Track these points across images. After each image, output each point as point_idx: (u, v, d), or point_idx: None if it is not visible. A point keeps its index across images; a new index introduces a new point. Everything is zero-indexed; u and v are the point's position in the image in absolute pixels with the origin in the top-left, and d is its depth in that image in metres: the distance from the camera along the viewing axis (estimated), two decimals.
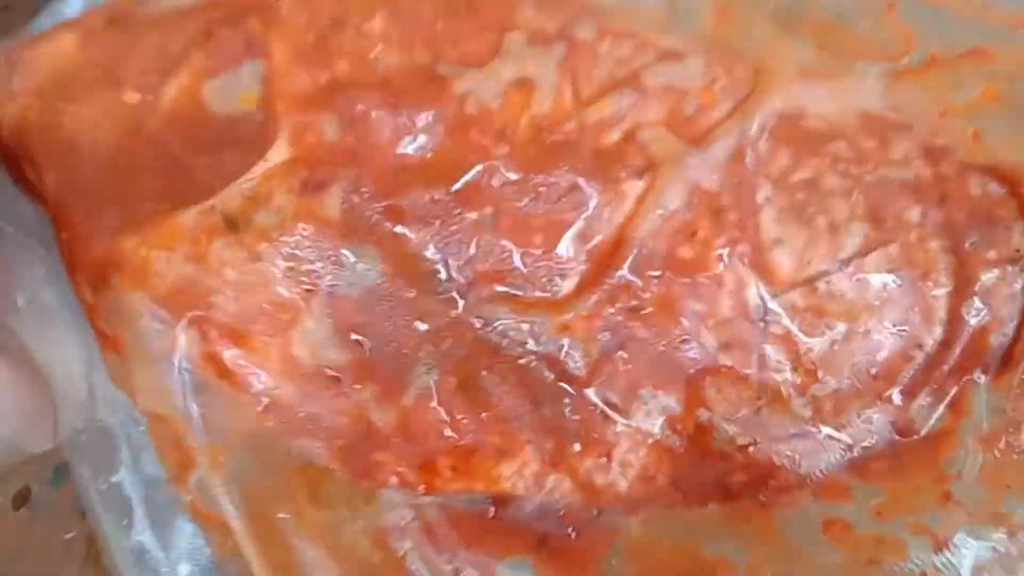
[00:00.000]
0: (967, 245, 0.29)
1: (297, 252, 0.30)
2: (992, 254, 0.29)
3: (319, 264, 0.30)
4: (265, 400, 0.30)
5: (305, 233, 0.30)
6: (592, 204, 0.30)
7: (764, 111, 0.30)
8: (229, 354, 0.30)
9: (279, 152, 0.30)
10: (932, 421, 0.29)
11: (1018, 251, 0.28)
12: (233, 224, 0.30)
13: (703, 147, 0.30)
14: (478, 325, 0.30)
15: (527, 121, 0.30)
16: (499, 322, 0.30)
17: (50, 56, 0.31)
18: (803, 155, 0.30)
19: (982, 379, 0.29)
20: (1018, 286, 0.29)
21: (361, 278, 0.30)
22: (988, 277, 0.29)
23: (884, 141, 0.30)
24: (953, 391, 0.29)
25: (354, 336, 0.30)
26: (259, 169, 0.30)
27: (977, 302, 0.29)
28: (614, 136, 0.30)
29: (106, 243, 0.30)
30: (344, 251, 0.30)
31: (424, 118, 0.30)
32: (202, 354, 0.29)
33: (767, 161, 0.30)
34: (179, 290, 0.29)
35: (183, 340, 0.30)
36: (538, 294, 0.30)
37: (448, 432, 0.30)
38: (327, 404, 0.30)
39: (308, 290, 0.30)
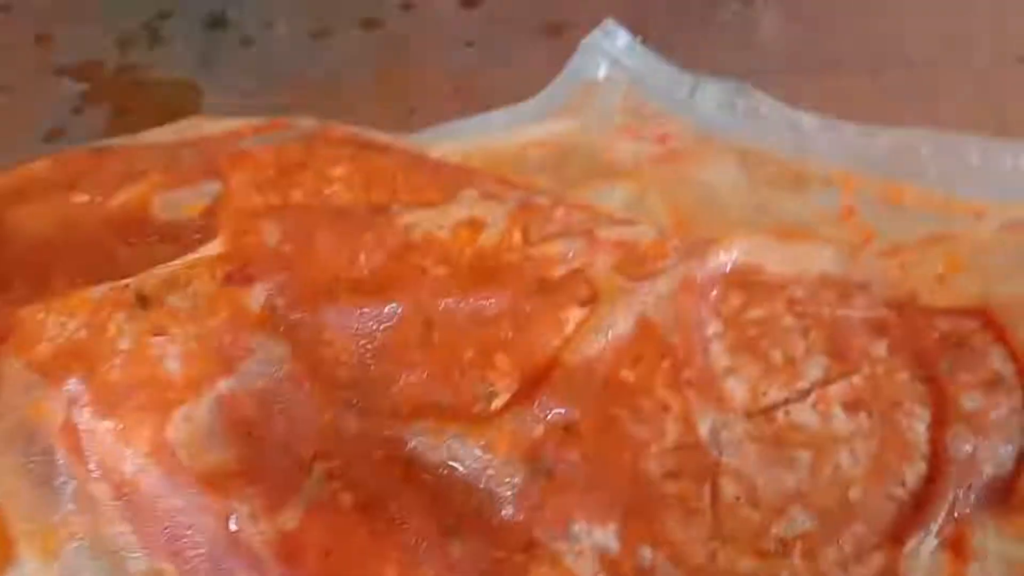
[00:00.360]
0: (941, 371, 0.26)
1: (203, 334, 0.27)
2: (970, 378, 0.25)
3: (224, 349, 0.26)
4: (125, 485, 0.24)
5: (217, 319, 0.27)
6: (533, 325, 0.27)
7: (718, 264, 0.29)
8: (94, 427, 0.25)
9: (212, 248, 0.28)
10: (931, 570, 0.23)
11: (999, 374, 0.25)
12: (144, 301, 0.27)
13: (650, 281, 0.28)
14: (391, 438, 0.26)
15: (470, 251, 0.29)
16: (416, 438, 0.26)
17: (19, 170, 0.31)
18: (757, 298, 0.28)
19: (984, 516, 0.23)
20: (1004, 410, 0.25)
21: (266, 371, 0.26)
22: (970, 403, 0.25)
23: (844, 294, 0.28)
24: (948, 532, 0.23)
25: (244, 431, 0.25)
26: (187, 260, 0.28)
27: (962, 430, 0.25)
28: (560, 271, 0.29)
29: (7, 311, 0.27)
30: (255, 341, 0.27)
31: (367, 241, 0.29)
32: (62, 424, 0.25)
33: (717, 302, 0.28)
34: (65, 354, 0.26)
35: (47, 408, 0.25)
36: (463, 408, 0.26)
37: (332, 558, 0.24)
38: (193, 500, 0.24)
39: (204, 373, 0.26)
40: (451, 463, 0.25)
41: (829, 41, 0.38)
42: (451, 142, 0.35)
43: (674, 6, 0.39)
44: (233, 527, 0.24)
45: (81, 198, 0.30)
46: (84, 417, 0.25)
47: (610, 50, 0.37)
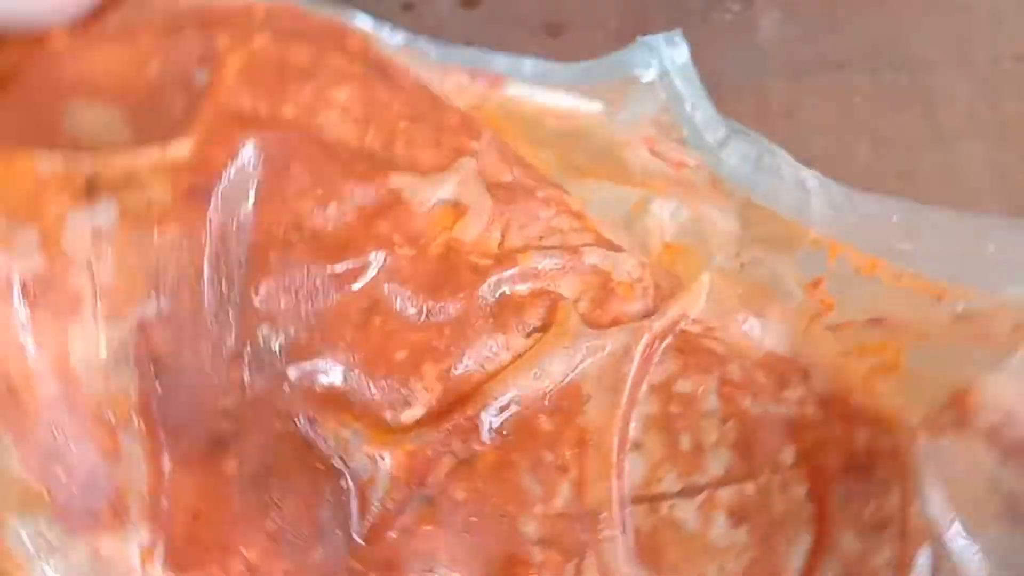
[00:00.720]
0: (836, 499, 0.25)
1: (145, 245, 0.25)
2: (861, 512, 0.25)
3: (160, 269, 0.25)
4: (19, 386, 0.23)
5: (164, 235, 0.25)
6: (472, 344, 0.26)
7: (675, 317, 0.27)
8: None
9: (180, 149, 0.26)
10: None
11: (890, 517, 0.24)
12: (94, 192, 0.25)
13: (600, 333, 0.27)
14: (294, 416, 0.25)
15: (443, 239, 0.27)
16: (318, 425, 0.25)
17: None
18: (693, 368, 0.27)
19: None
20: (881, 560, 0.24)
21: (192, 306, 0.25)
22: (852, 543, 0.24)
23: (781, 382, 0.27)
24: None
25: (151, 367, 0.24)
26: (152, 155, 0.26)
27: (836, 569, 0.24)
28: (525, 289, 0.27)
29: None
30: (192, 268, 0.25)
31: (345, 191, 0.27)
32: None
33: (657, 362, 0.27)
34: None
35: None
36: (373, 409, 0.25)
37: (199, 522, 0.24)
38: (82, 423, 0.23)
39: (133, 290, 0.24)
40: (342, 460, 0.24)
41: (829, 41, 0.37)
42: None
43: (674, 6, 0.37)
44: (112, 463, 0.23)
45: (59, 41, 0.27)
46: None
47: (665, 60, 0.33)
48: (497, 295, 0.26)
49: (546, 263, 0.27)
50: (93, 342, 0.23)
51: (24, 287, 0.23)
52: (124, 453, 0.23)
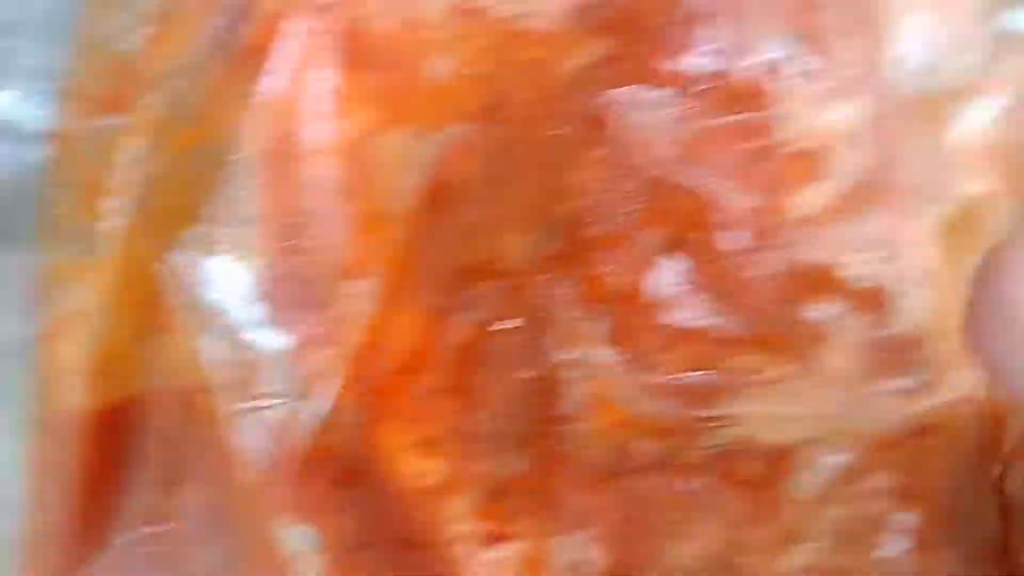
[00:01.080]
0: None
1: (504, 57, 0.19)
2: None
3: (498, 81, 0.19)
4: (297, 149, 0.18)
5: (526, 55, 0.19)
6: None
7: None
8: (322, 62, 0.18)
9: None
10: None
11: None
12: None
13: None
14: (558, 302, 0.21)
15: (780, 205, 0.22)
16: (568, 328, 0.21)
17: None
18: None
19: None
20: None
21: (503, 149, 0.20)
22: None
23: None
24: None
25: (442, 195, 0.19)
26: None
27: None
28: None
29: None
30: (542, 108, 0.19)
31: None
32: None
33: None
34: None
35: None
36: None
37: (397, 376, 0.20)
38: (340, 209, 0.19)
39: (467, 99, 0.19)
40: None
41: None
42: None
43: None
44: (337, 284, 0.19)
45: None
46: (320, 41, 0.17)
47: None
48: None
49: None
50: (399, 138, 0.18)
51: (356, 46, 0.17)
52: (357, 283, 0.19)
